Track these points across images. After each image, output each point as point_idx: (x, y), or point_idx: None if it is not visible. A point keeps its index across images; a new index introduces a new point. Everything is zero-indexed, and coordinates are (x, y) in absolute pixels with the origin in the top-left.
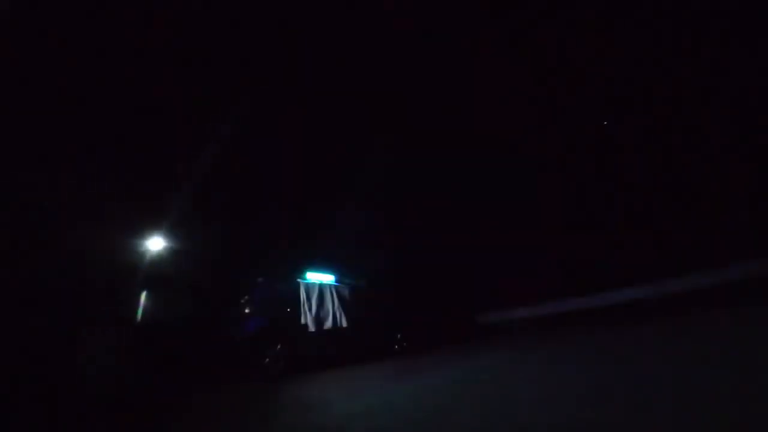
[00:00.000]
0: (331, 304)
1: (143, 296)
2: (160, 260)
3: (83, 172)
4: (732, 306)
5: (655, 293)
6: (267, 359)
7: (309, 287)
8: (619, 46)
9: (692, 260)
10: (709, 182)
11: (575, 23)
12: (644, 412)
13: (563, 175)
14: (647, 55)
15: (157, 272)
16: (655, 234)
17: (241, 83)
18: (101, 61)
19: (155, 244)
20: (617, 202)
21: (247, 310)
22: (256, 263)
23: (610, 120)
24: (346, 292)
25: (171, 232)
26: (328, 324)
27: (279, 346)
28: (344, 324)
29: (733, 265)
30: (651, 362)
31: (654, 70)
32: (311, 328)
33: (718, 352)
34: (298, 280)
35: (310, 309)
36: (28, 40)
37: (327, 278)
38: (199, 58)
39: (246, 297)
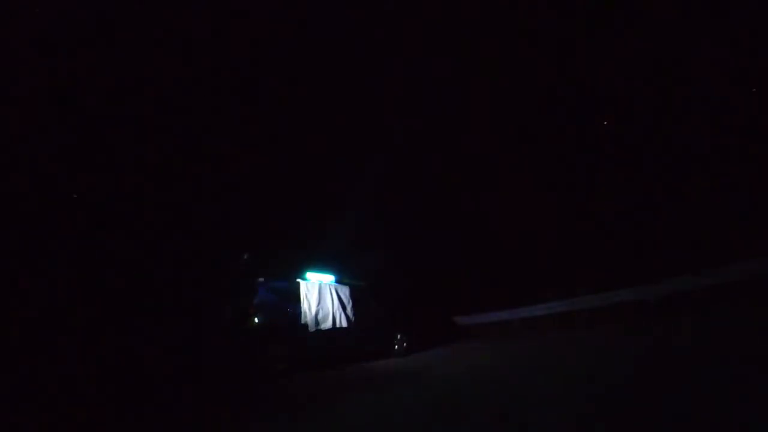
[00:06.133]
0: (331, 304)
1: None
2: None
3: None
4: (731, 306)
5: (655, 293)
6: (267, 359)
7: (309, 287)
8: (619, 45)
9: (690, 260)
10: (709, 182)
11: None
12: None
13: (561, 174)
14: (646, 53)
15: None
16: (653, 234)
17: (239, 82)
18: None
19: None
20: (615, 202)
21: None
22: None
23: (609, 120)
24: (346, 292)
25: None
26: (328, 324)
27: (278, 346)
28: (344, 324)
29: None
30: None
31: (655, 70)
32: (311, 328)
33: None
34: (298, 280)
35: (309, 309)
36: None
37: (327, 278)
38: (197, 57)
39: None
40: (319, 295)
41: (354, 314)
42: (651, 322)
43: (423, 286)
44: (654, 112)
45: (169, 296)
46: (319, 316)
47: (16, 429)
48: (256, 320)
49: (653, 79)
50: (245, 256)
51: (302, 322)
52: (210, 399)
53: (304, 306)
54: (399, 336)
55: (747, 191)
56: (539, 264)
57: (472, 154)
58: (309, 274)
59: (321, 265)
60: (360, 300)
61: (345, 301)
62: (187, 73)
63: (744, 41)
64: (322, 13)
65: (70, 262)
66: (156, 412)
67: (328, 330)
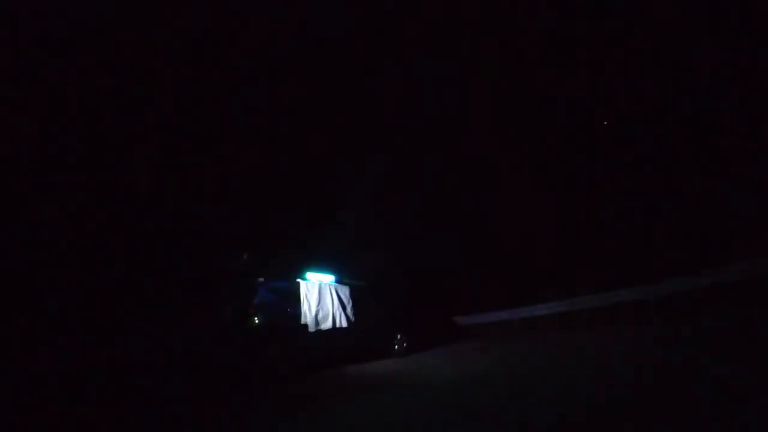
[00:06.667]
0: (331, 305)
1: None
2: None
3: None
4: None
5: (655, 293)
6: (267, 359)
7: (309, 287)
8: (619, 45)
9: (690, 260)
10: (709, 181)
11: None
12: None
13: (561, 174)
14: (647, 53)
15: None
16: (653, 234)
17: (239, 82)
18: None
19: None
20: (615, 201)
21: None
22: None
23: (609, 120)
24: (346, 292)
25: None
26: (328, 324)
27: (279, 347)
28: (344, 324)
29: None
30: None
31: (655, 70)
32: (311, 328)
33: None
34: (298, 280)
35: (309, 309)
36: None
37: (327, 278)
38: (197, 57)
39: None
40: (319, 295)
41: (354, 314)
42: (651, 322)
43: (423, 286)
44: (654, 112)
45: (169, 296)
46: (319, 317)
47: (16, 429)
48: (256, 320)
49: (653, 79)
50: (245, 256)
51: (302, 322)
52: (210, 399)
53: (304, 306)
54: (399, 336)
55: (747, 191)
56: (539, 264)
57: (472, 154)
58: (309, 274)
59: (321, 265)
60: (360, 300)
61: (345, 301)
62: (187, 73)
63: (744, 41)
64: (322, 13)
65: (71, 262)
66: (156, 412)
67: (328, 330)
